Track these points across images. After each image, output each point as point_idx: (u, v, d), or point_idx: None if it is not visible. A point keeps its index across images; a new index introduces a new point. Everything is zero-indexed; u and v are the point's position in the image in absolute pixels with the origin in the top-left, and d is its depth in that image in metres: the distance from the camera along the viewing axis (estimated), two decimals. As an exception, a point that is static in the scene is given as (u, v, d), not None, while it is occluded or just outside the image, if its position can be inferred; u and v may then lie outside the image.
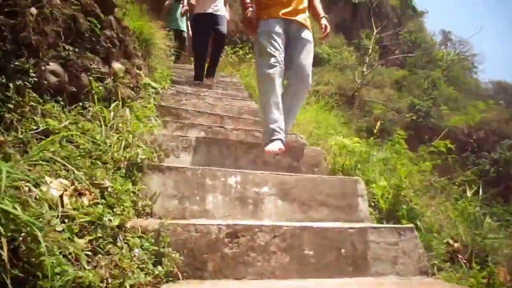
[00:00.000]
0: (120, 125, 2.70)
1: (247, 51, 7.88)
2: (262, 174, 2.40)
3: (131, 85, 3.49)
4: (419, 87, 17.86)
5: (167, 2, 8.34)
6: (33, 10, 2.08)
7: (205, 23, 5.29)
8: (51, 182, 1.63)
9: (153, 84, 4.08)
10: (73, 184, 1.74)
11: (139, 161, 2.24)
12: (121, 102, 3.11)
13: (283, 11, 2.96)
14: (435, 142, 4.18)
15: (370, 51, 14.57)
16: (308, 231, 1.90)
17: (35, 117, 2.03)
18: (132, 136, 2.58)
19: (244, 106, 4.39)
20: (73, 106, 2.47)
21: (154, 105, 3.65)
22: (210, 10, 5.31)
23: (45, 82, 2.24)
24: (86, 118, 2.50)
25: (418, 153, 4.55)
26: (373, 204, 2.95)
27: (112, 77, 3.04)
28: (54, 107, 2.24)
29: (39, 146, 1.88)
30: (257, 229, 1.82)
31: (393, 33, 18.28)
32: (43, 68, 2.23)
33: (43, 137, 2.00)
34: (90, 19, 2.69)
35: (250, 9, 3.08)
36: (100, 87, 2.77)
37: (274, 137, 2.68)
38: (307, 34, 3.04)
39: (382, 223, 2.70)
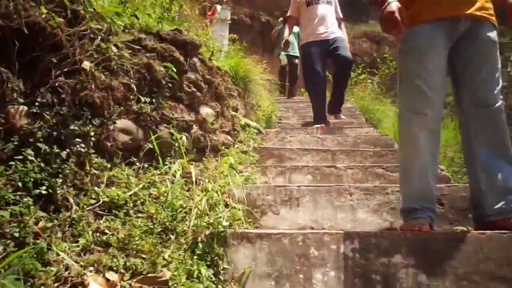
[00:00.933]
0: (207, 180, 2.28)
1: (360, 71, 7.08)
2: (391, 234, 1.67)
3: (226, 129, 3.12)
4: None
5: (274, 30, 8.20)
6: (87, 64, 1.80)
7: (319, 52, 4.22)
8: (90, 282, 1.20)
9: (253, 124, 3.67)
10: (122, 279, 1.30)
11: (221, 229, 1.73)
12: (212, 151, 2.72)
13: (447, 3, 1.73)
14: None
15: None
16: None
17: (96, 188, 1.70)
18: (219, 194, 2.12)
19: (360, 135, 3.66)
20: (151, 166, 2.13)
21: (254, 147, 3.20)
22: (322, 36, 4.26)
23: (113, 143, 1.94)
24: (166, 177, 2.12)
25: None
26: None
27: (199, 125, 2.69)
28: (124, 171, 1.91)
29: (93, 226, 1.51)
30: None
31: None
32: (111, 127, 1.94)
33: (105, 213, 1.65)
34: (167, 65, 2.39)
35: None
36: (185, 138, 2.42)
37: (417, 216, 1.77)
38: (488, 32, 1.76)
39: None
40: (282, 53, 7.35)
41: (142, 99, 2.23)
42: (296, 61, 7.45)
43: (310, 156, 3.08)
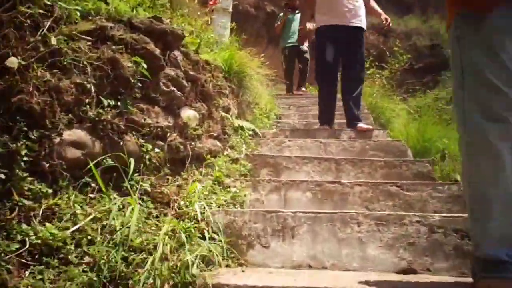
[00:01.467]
0: (183, 202, 1.87)
1: (368, 64, 6.58)
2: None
3: (214, 134, 2.69)
4: None
5: (279, 17, 7.21)
6: (13, 61, 1.38)
7: (336, 38, 3.62)
8: None
9: (247, 125, 3.24)
10: None
11: (188, 279, 1.32)
12: (195, 161, 2.31)
13: None
14: None
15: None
16: None
17: (25, 226, 1.29)
18: (197, 220, 1.71)
19: (369, 140, 3.23)
20: (111, 188, 1.72)
21: (247, 155, 2.78)
22: (344, 21, 3.61)
23: (59, 161, 1.52)
24: (127, 201, 1.71)
25: None
26: None
27: (179, 131, 2.27)
28: (71, 197, 1.50)
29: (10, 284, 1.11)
30: None
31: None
32: (56, 140, 1.52)
33: (34, 261, 1.25)
34: (136, 60, 1.96)
35: None
36: (159, 149, 2.00)
37: (505, 273, 1.21)
38: None
39: None
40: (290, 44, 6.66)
41: (105, 102, 1.82)
42: (306, 55, 6.77)
43: (310, 166, 2.66)
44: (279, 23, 6.99)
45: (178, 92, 2.29)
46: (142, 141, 1.92)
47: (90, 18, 2.01)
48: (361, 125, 3.57)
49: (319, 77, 3.80)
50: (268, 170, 2.67)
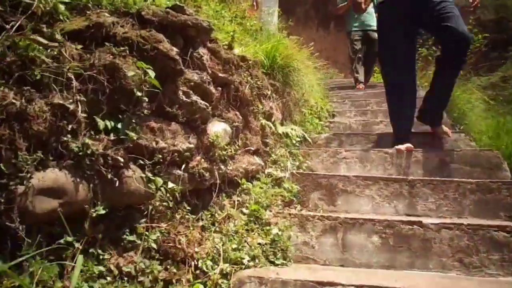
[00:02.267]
0: (205, 255, 1.38)
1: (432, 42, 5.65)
2: None
3: (252, 148, 2.18)
4: None
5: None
6: None
7: (407, 16, 2.55)
8: None
9: (293, 131, 2.69)
10: None
11: None
12: (227, 186, 1.82)
13: None
14: None
15: None
16: None
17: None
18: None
19: (450, 149, 2.55)
20: (106, 244, 1.27)
21: (293, 173, 2.24)
22: None
23: (24, 217, 1.08)
24: (127, 259, 1.25)
25: None
26: None
27: (204, 152, 1.77)
28: (35, 275, 1.06)
29: None
30: None
31: None
32: (20, 189, 1.08)
33: None
34: (142, 66, 1.48)
35: None
36: (172, 184, 1.52)
37: None
38: None
39: None
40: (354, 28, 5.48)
41: (100, 124, 1.36)
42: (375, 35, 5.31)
43: (375, 189, 2.06)
44: (341, 2, 5.59)
45: (203, 102, 1.79)
46: (151, 174, 1.45)
47: (88, 12, 1.56)
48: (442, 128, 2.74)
49: (386, 76, 2.78)
50: (320, 194, 2.11)
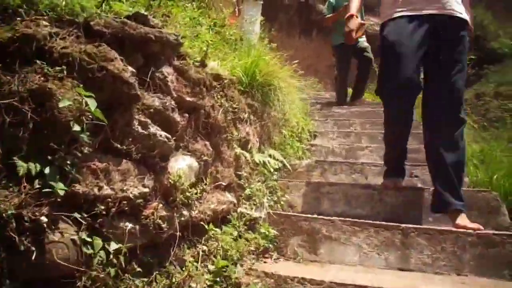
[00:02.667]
0: None
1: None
2: None
3: (223, 183, 1.87)
4: None
5: (329, 4, 5.01)
6: None
7: (413, 39, 1.98)
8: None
9: (272, 159, 2.40)
10: None
11: None
12: (190, 234, 1.51)
13: None
14: None
15: None
16: None
17: None
18: None
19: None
20: None
21: (269, 213, 1.94)
22: (432, 9, 1.98)
23: None
24: None
25: None
26: None
27: (163, 196, 1.45)
28: None
29: None
30: None
31: None
32: None
33: None
34: (80, 92, 1.16)
35: None
36: (116, 245, 1.19)
37: None
38: None
39: None
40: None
41: (21, 168, 1.03)
42: (368, 54, 4.72)
43: (363, 237, 1.79)
44: (329, 13, 4.96)
45: (164, 134, 1.47)
46: (87, 234, 1.12)
47: (18, 19, 1.22)
48: (464, 222, 1.85)
49: (386, 103, 2.13)
50: (300, 240, 1.83)
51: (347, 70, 4.96)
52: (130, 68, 1.35)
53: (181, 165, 1.53)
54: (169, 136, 1.49)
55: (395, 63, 1.94)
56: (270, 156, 2.49)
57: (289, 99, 3.20)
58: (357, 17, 2.23)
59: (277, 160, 2.52)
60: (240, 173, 2.05)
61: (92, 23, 1.35)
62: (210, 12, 4.20)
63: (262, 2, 6.81)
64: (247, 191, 2.04)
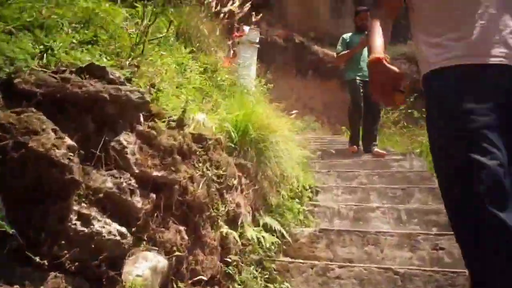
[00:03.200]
0: None
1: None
2: None
3: (204, 278, 1.43)
4: None
5: (343, 41, 4.44)
6: None
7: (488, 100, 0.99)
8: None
9: (266, 236, 1.97)
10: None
11: None
12: None
13: None
14: None
15: None
16: None
17: None
18: None
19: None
20: None
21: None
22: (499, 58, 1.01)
23: None
24: None
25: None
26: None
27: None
28: None
29: None
30: None
31: None
32: None
33: None
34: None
35: None
36: None
37: None
38: None
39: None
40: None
41: None
42: None
43: None
44: (342, 50, 4.42)
45: (116, 229, 1.06)
46: None
47: None
48: None
49: None
50: None
51: (361, 109, 4.24)
52: (67, 143, 0.97)
53: (142, 269, 1.11)
54: (125, 231, 1.08)
55: None
56: (266, 226, 2.07)
57: (288, 153, 2.81)
58: (387, 61, 1.11)
59: (275, 231, 2.10)
60: (228, 258, 1.61)
61: (16, 81, 0.98)
62: (201, 55, 3.91)
63: (258, 46, 6.58)
64: (237, 283, 1.60)
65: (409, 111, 5.12)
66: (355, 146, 4.34)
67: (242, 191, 1.96)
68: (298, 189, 2.88)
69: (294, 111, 3.74)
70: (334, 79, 12.00)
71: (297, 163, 3.10)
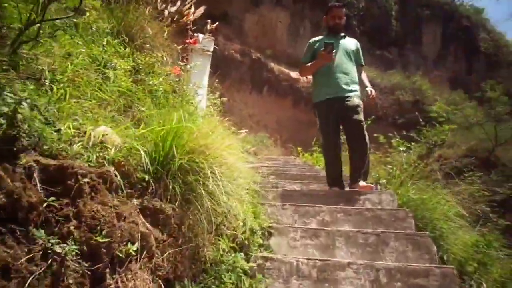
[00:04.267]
0: None
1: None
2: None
3: None
4: None
5: (305, 53, 3.31)
6: None
7: None
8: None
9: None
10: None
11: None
12: None
13: None
14: None
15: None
16: None
17: None
18: None
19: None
20: None
21: None
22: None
23: None
24: None
25: None
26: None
27: None
28: None
29: None
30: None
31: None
32: None
33: None
34: None
35: None
36: None
37: None
38: None
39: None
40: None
41: None
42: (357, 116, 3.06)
43: None
44: (310, 59, 3.27)
45: None
46: None
47: None
48: None
49: None
50: None
51: (336, 138, 3.21)
52: None
53: None
54: None
55: None
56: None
57: (233, 183, 2.04)
58: None
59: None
60: None
61: None
62: (137, 54, 3.11)
63: (211, 53, 6.00)
64: None
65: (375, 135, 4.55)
66: (336, 188, 3.23)
67: (151, 258, 1.17)
68: (244, 235, 2.12)
69: (244, 130, 3.09)
70: (289, 96, 11.59)
71: (246, 192, 2.33)
